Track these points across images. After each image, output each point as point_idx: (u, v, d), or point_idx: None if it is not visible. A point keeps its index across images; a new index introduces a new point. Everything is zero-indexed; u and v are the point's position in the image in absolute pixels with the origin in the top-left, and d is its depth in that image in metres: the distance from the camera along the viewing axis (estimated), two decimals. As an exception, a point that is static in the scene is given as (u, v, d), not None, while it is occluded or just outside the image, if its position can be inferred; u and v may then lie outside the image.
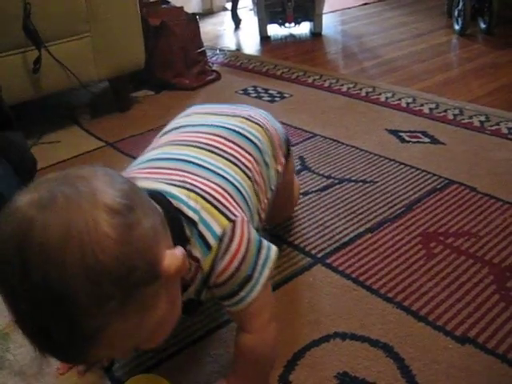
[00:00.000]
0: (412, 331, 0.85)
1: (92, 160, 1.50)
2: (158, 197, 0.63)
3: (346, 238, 1.08)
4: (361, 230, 1.10)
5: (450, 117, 1.61)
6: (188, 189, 0.67)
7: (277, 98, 1.88)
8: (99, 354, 0.55)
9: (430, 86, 1.90)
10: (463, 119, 1.58)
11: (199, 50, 2.13)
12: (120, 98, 1.88)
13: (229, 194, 0.71)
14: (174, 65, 2.04)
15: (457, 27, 2.47)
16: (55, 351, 0.53)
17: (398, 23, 2.79)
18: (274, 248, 0.70)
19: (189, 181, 0.69)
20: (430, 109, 1.67)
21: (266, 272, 0.68)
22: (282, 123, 1.62)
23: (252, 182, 0.79)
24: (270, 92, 1.94)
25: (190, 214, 0.65)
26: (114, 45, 1.73)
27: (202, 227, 0.65)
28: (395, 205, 1.17)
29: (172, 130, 0.87)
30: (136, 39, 1.78)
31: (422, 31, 2.60)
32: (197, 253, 0.65)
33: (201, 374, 0.80)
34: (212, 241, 0.64)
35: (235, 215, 0.67)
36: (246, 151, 0.81)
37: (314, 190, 1.26)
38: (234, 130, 0.83)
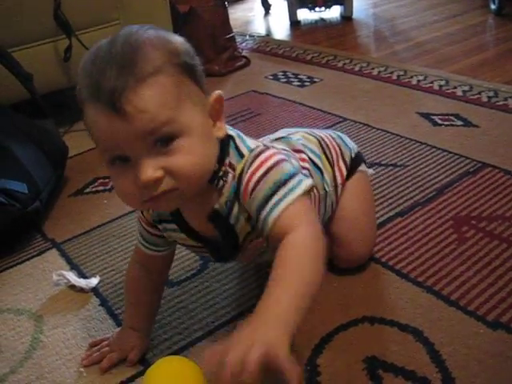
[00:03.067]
0: (442, 316, 0.83)
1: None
2: None
3: (376, 222, 1.06)
4: (391, 214, 1.09)
5: (485, 99, 1.56)
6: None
7: (306, 83, 1.86)
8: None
9: (464, 68, 1.85)
10: (498, 101, 1.54)
11: (228, 36, 2.12)
12: (150, 85, 1.89)
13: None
14: (203, 51, 2.04)
15: (493, 7, 2.40)
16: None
17: (431, 4, 2.72)
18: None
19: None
20: (464, 91, 1.63)
21: (305, 184, 0.68)
22: (312, 108, 1.63)
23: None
24: (300, 77, 1.92)
25: (231, 132, 0.72)
26: (144, 32, 1.74)
27: (238, 141, 0.72)
28: (426, 188, 1.15)
29: None
30: (165, 26, 1.78)
31: (456, 12, 2.54)
32: (233, 161, 0.71)
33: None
34: (245, 151, 0.71)
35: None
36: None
37: (343, 174, 1.24)
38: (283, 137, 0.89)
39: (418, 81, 1.75)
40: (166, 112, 0.60)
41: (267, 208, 0.66)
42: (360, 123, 1.49)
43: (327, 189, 0.88)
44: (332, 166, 0.91)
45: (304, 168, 0.83)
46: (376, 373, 0.75)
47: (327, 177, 0.89)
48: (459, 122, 1.44)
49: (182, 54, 0.64)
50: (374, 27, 2.54)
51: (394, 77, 1.81)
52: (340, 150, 0.93)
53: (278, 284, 0.58)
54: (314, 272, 0.60)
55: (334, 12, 2.71)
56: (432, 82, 1.72)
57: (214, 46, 2.06)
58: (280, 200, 0.66)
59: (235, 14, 2.92)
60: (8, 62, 1.41)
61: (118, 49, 0.60)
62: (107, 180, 1.35)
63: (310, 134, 0.93)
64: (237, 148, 0.71)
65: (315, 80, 1.88)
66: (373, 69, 1.91)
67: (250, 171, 0.69)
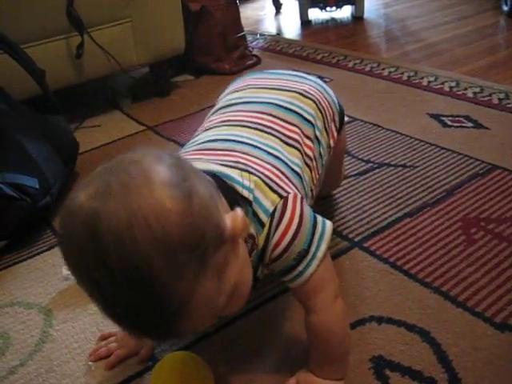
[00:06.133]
0: (450, 317, 0.83)
1: (132, 144, 1.52)
2: (212, 176, 0.62)
3: (384, 223, 1.06)
4: (399, 214, 1.09)
5: (495, 101, 1.56)
6: (241, 169, 0.68)
7: (316, 83, 1.86)
8: (187, 327, 0.55)
9: (475, 70, 1.85)
10: (509, 103, 1.53)
11: (239, 35, 2.12)
12: (160, 82, 1.90)
13: (281, 172, 0.72)
14: (214, 49, 2.05)
15: (505, 8, 2.39)
16: (147, 331, 0.54)
17: (442, 5, 2.71)
18: (328, 223, 0.70)
19: (242, 161, 0.70)
20: (474, 93, 1.63)
21: (323, 246, 0.68)
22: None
23: (302, 156, 0.79)
24: (310, 76, 1.92)
25: (245, 193, 0.66)
26: (155, 30, 1.74)
27: (255, 205, 0.66)
28: (435, 190, 1.15)
29: (224, 107, 0.86)
30: (176, 24, 1.79)
31: (467, 13, 2.53)
32: (252, 230, 0.66)
33: (235, 354, 0.81)
34: (264, 218, 0.66)
35: (287, 192, 0.68)
36: (296, 126, 0.81)
37: (353, 174, 1.25)
38: (286, 108, 0.83)
39: (429, 82, 1.75)
40: None
41: (291, 275, 0.68)
42: (370, 123, 1.49)
43: (323, 162, 0.87)
44: (327, 133, 0.88)
45: (308, 157, 0.80)
46: (382, 372, 0.75)
47: (324, 143, 0.86)
48: (469, 124, 1.44)
49: (201, 236, 0.52)
50: (385, 27, 2.54)
51: (405, 77, 1.81)
52: (331, 110, 0.90)
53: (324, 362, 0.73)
54: (346, 342, 0.74)
55: (345, 12, 2.71)
56: (443, 83, 1.72)
57: (224, 45, 2.06)
58: (303, 270, 0.67)
59: (246, 12, 2.93)
60: (21, 58, 1.42)
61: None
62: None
63: (307, 97, 0.86)
64: (255, 215, 0.66)
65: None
66: (383, 69, 1.91)
67: (274, 241, 0.66)
